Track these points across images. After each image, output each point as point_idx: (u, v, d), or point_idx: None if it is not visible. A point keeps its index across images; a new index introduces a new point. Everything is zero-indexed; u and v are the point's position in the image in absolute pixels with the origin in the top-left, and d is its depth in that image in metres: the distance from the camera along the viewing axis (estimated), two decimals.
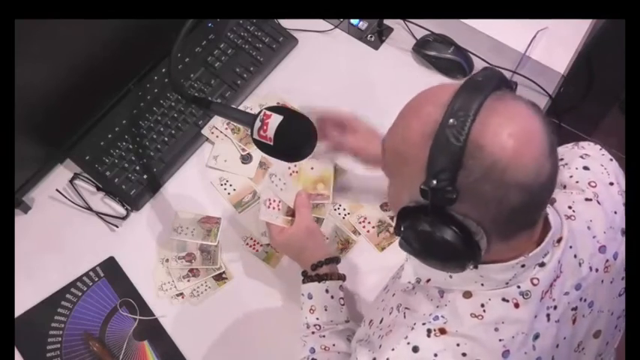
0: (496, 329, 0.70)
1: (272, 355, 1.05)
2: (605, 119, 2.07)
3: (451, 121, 0.61)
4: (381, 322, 0.81)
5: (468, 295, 0.72)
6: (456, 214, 0.63)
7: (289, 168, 1.10)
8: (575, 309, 0.76)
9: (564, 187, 0.84)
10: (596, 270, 0.77)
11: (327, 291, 0.97)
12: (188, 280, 1.10)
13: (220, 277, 1.10)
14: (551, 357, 0.75)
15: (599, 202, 0.81)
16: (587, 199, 0.81)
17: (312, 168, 1.14)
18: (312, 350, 0.94)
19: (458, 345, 0.70)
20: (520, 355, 0.71)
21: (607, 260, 0.78)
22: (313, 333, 0.96)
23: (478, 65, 1.23)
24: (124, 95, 1.22)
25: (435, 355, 0.70)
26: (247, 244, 1.12)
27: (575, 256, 0.75)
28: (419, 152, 0.63)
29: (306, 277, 0.99)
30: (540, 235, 0.71)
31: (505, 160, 0.60)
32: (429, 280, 0.76)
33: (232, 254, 1.11)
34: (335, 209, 1.14)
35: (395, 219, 0.70)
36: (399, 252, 1.09)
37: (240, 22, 1.27)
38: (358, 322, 1.05)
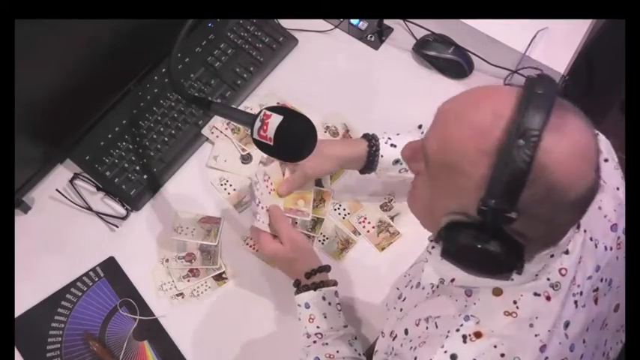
0: (531, 325, 0.70)
1: (272, 355, 1.05)
2: (605, 119, 2.06)
3: (520, 141, 0.59)
4: (406, 333, 0.80)
5: (498, 292, 0.72)
6: (509, 232, 0.62)
7: (267, 187, 1.04)
8: (596, 290, 0.76)
9: None
10: (610, 248, 0.78)
11: (324, 298, 0.96)
12: (188, 280, 1.10)
13: (220, 277, 1.10)
14: (582, 340, 0.75)
15: (604, 182, 0.80)
16: None
17: None
18: None
19: (495, 347, 0.70)
20: (555, 345, 0.71)
21: (618, 237, 0.79)
22: (315, 342, 0.96)
23: (478, 65, 1.23)
24: (124, 95, 1.22)
25: None
26: (247, 244, 1.12)
27: (590, 239, 0.76)
28: (476, 167, 0.61)
29: (300, 287, 0.98)
30: None
31: (566, 182, 0.60)
32: (453, 280, 0.75)
33: (232, 254, 1.11)
34: (335, 209, 1.14)
35: (440, 228, 0.67)
36: (399, 252, 1.11)
37: (240, 22, 1.27)
38: (358, 325, 1.06)
